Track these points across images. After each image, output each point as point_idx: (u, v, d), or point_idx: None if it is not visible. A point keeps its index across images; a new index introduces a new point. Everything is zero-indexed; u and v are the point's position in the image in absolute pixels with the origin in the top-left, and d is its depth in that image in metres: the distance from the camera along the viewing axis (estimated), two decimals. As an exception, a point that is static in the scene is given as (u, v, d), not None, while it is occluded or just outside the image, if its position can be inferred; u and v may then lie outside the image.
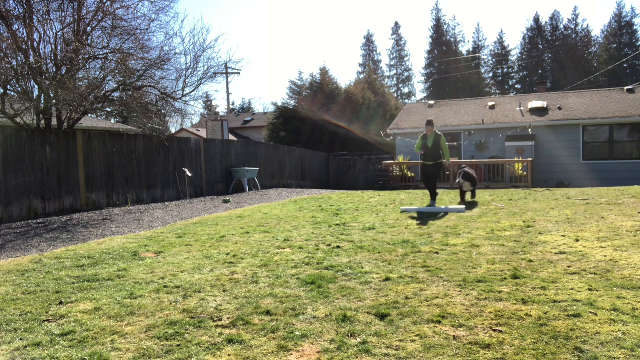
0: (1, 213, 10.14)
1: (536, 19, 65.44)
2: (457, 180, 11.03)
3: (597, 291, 4.01)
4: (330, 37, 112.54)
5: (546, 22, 65.23)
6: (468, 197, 11.43)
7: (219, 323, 3.61)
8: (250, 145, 20.12)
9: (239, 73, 37.21)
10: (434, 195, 10.82)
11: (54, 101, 11.83)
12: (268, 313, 3.79)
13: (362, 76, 50.09)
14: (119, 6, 12.68)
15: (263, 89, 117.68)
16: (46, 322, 3.74)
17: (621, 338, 3.09)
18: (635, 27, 60.37)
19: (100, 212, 11.34)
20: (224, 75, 37.63)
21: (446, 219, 8.49)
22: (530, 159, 18.26)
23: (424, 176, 11.13)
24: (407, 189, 18.63)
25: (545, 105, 22.21)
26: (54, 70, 11.90)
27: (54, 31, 11.93)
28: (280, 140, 31.03)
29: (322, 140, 30.50)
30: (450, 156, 10.87)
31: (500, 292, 4.10)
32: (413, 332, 3.31)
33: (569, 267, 4.83)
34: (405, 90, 70.95)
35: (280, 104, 34.06)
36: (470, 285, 4.33)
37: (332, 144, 30.32)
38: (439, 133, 10.72)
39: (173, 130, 40.15)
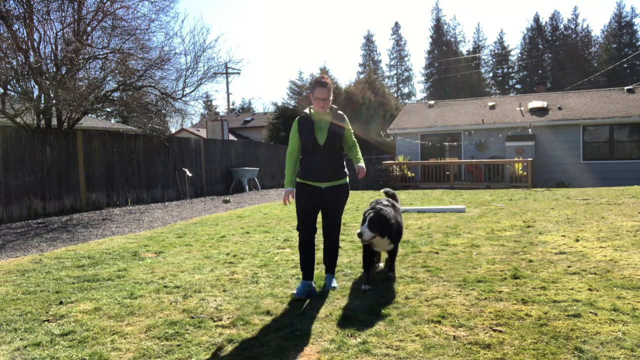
0: (1, 213, 10.14)
1: (536, 19, 65.47)
2: (359, 231, 4.31)
3: (597, 291, 4.01)
4: (330, 37, 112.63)
5: (546, 22, 65.31)
6: (383, 263, 5.26)
7: (219, 323, 3.61)
8: (250, 145, 20.11)
9: (239, 73, 37.21)
10: (332, 266, 4.60)
11: (54, 101, 11.83)
12: (268, 313, 3.79)
13: (362, 76, 50.11)
14: (119, 6, 12.71)
15: (263, 89, 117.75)
16: (46, 322, 3.74)
17: (621, 338, 3.09)
18: (635, 27, 60.42)
19: (100, 212, 11.34)
20: (224, 75, 37.61)
21: (446, 218, 8.49)
22: (530, 159, 18.26)
23: (304, 216, 4.32)
24: (407, 188, 18.64)
25: (545, 105, 22.21)
26: (54, 70, 11.91)
27: (54, 31, 11.96)
28: (280, 140, 31.02)
29: (322, 140, 30.46)
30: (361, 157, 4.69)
31: (500, 292, 4.10)
32: (413, 332, 3.31)
33: (569, 267, 4.83)
34: (405, 90, 71.05)
35: (280, 104, 34.12)
36: (470, 285, 4.33)
37: (332, 144, 30.28)
38: (343, 114, 4.43)
39: (173, 130, 40.16)
